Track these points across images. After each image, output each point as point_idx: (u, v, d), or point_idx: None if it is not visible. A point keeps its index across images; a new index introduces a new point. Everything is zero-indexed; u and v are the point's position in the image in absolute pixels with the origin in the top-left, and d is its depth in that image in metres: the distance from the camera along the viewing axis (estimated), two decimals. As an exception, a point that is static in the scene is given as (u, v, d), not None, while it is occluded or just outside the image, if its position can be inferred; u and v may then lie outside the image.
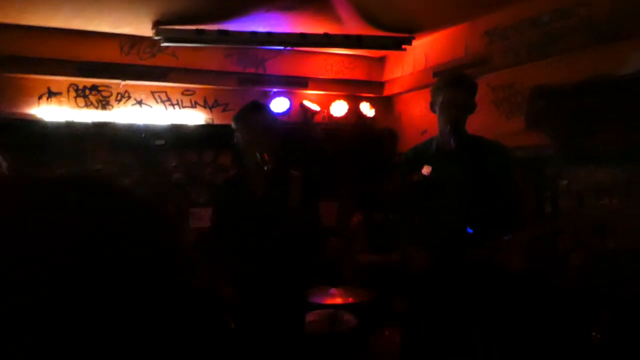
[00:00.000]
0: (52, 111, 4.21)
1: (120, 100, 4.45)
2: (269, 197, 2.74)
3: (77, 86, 4.31)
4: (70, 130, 4.21)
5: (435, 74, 4.38)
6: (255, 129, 2.70)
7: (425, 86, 4.60)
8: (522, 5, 3.53)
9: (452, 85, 2.56)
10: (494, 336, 2.40)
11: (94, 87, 4.36)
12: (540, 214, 3.26)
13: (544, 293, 3.06)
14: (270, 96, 4.84)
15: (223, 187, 3.04)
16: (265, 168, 2.69)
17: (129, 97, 4.49)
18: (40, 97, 4.21)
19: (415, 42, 4.47)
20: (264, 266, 2.68)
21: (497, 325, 2.41)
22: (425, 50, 4.59)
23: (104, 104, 4.40)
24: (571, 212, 3.20)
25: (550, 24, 3.36)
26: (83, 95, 4.34)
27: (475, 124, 2.66)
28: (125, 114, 4.45)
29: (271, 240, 2.68)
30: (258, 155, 2.68)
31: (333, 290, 3.65)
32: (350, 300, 3.57)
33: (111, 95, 4.43)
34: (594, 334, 2.72)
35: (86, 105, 4.34)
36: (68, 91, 4.29)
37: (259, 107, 2.85)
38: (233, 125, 2.78)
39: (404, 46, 4.43)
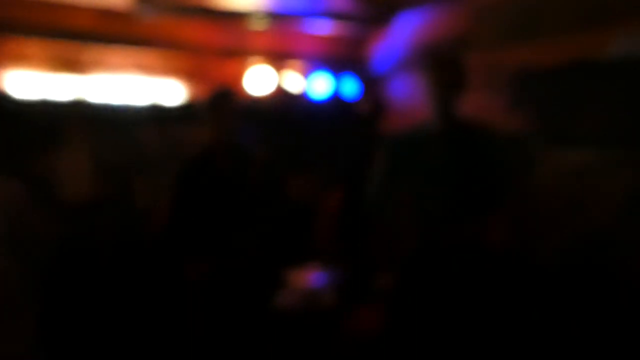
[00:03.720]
0: (24, 77, 4.07)
1: (96, 68, 4.33)
2: (235, 174, 2.81)
3: (51, 52, 4.17)
4: (44, 107, 4.09)
5: (422, 54, 4.35)
6: (221, 118, 2.75)
7: (411, 65, 4.58)
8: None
9: (439, 64, 2.53)
10: (482, 320, 2.43)
11: (69, 54, 4.22)
12: (521, 195, 3.29)
13: (524, 273, 3.12)
14: (253, 70, 4.77)
15: (189, 167, 3.05)
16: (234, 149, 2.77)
17: (106, 66, 4.36)
18: (11, 62, 4.05)
19: (399, 20, 4.43)
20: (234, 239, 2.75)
21: (484, 308, 2.43)
22: (411, 29, 4.54)
23: (79, 71, 4.27)
24: (551, 194, 3.24)
25: (536, 5, 3.34)
26: (58, 62, 4.20)
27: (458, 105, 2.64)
28: (102, 83, 4.33)
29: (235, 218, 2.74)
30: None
31: (311, 269, 3.65)
32: (329, 279, 3.57)
33: (87, 63, 4.30)
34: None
35: (60, 72, 4.21)
36: (41, 57, 4.15)
37: (225, 96, 2.90)
38: (201, 110, 2.87)
39: (387, 23, 4.39)
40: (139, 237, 4.27)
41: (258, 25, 4.53)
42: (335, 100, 5.08)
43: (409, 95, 4.69)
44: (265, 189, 2.85)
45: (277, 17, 4.23)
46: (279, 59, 4.86)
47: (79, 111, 4.19)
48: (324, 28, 4.84)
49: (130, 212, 4.32)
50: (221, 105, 2.84)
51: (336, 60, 5.10)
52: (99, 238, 4.16)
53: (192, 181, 2.88)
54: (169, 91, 4.59)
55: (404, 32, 4.61)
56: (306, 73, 5.03)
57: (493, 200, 2.47)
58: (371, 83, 5.24)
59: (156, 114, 4.48)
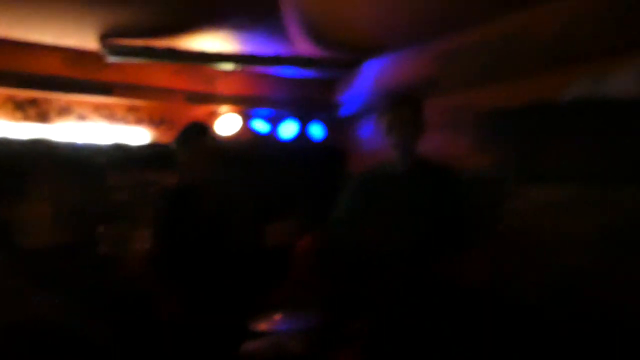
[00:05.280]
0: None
1: (61, 115, 4.25)
2: (214, 214, 2.74)
3: (15, 99, 4.09)
4: (5, 147, 3.98)
5: (386, 97, 4.41)
6: (198, 152, 2.70)
7: (376, 108, 4.64)
8: (472, 30, 3.63)
9: (398, 105, 2.58)
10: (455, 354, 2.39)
11: (33, 101, 4.15)
12: (491, 233, 3.32)
13: (497, 310, 3.11)
14: (219, 115, 4.76)
15: (166, 204, 2.94)
16: (212, 187, 2.71)
17: (71, 112, 4.29)
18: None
19: (366, 64, 4.52)
20: (208, 285, 2.68)
21: (458, 343, 2.41)
22: (376, 72, 4.63)
23: (43, 118, 4.19)
24: (520, 231, 3.27)
25: (499, 49, 3.46)
26: (21, 109, 4.12)
27: (425, 146, 2.67)
28: (67, 129, 4.25)
29: (218, 258, 2.68)
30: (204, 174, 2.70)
31: (281, 315, 3.55)
32: (297, 325, 3.48)
33: (52, 109, 4.22)
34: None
35: (24, 119, 4.12)
36: (5, 104, 4.06)
37: (201, 130, 2.84)
38: (175, 147, 2.78)
39: (354, 68, 4.47)
40: (104, 284, 4.11)
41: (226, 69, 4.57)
42: (303, 141, 5.09)
43: (376, 137, 4.74)
44: (244, 231, 2.78)
45: (245, 61, 4.26)
46: (247, 102, 4.87)
47: (41, 152, 4.09)
48: (292, 72, 4.90)
49: (93, 258, 4.17)
50: (197, 137, 2.77)
51: (304, 102, 5.15)
52: (60, 284, 3.99)
53: (173, 217, 2.79)
54: (135, 137, 4.53)
55: (371, 76, 4.69)
56: (274, 115, 5.05)
57: (462, 237, 2.47)
58: (339, 125, 5.29)
59: (121, 156, 4.40)
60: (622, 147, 2.79)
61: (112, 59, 3.99)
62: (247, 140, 4.94)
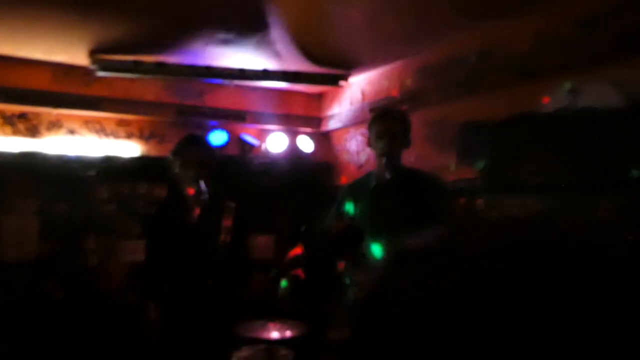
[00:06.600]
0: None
1: (51, 129, 4.31)
2: (202, 225, 2.79)
3: (4, 113, 4.14)
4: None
5: (371, 110, 4.51)
6: (192, 163, 2.77)
7: (362, 122, 4.73)
8: (450, 46, 3.73)
9: (383, 117, 2.67)
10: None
11: (22, 115, 4.20)
12: (470, 241, 3.37)
13: (472, 315, 3.14)
14: (208, 129, 4.82)
15: (155, 214, 3.02)
16: (202, 198, 2.76)
17: (61, 126, 4.35)
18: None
19: (351, 79, 4.61)
20: (192, 293, 2.72)
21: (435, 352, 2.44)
22: (361, 87, 4.72)
23: (33, 132, 4.24)
24: (499, 240, 3.32)
25: (476, 63, 3.55)
26: (11, 123, 4.17)
27: (409, 158, 2.75)
28: (56, 144, 4.30)
29: (201, 268, 2.73)
30: (195, 185, 2.75)
31: (268, 324, 3.59)
32: (286, 334, 3.51)
33: (41, 123, 4.27)
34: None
35: (14, 134, 4.17)
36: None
37: (196, 141, 2.94)
38: (170, 157, 2.85)
39: (340, 82, 4.56)
40: (88, 295, 4.12)
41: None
42: (291, 155, 5.15)
43: (361, 149, 4.82)
44: (232, 245, 2.84)
45: (234, 76, 4.32)
46: (236, 116, 4.93)
47: (29, 165, 4.12)
48: (280, 86, 4.98)
49: (78, 270, 4.18)
50: (190, 148, 2.84)
51: (292, 117, 5.22)
52: (45, 296, 4.00)
53: (161, 229, 2.86)
54: (125, 151, 4.58)
55: (357, 90, 4.78)
56: (263, 129, 5.11)
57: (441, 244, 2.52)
58: (326, 139, 5.36)
59: (110, 169, 4.43)
60: (595, 158, 2.86)
61: (101, 74, 4.04)
62: (235, 154, 4.99)
